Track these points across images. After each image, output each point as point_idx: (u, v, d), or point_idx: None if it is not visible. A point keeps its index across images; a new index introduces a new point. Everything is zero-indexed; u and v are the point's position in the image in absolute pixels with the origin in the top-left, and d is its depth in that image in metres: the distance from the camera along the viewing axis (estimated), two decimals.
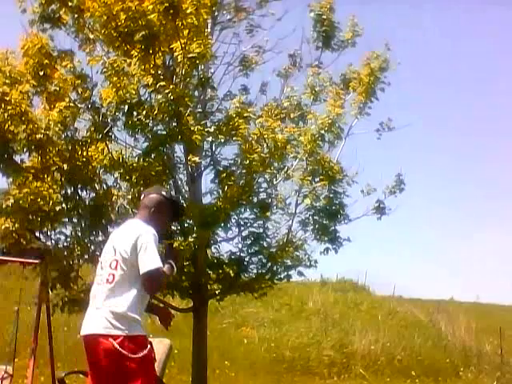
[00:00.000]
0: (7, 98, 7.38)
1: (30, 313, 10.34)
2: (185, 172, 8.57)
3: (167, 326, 3.86)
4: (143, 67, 7.58)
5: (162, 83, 7.43)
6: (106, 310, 3.55)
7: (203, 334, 8.67)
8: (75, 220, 8.08)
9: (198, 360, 8.64)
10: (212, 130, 7.99)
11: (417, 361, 16.08)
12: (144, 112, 7.56)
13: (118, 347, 3.45)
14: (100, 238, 8.10)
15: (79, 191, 8.01)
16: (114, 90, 7.49)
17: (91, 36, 8.26)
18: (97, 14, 7.39)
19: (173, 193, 8.33)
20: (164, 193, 4.01)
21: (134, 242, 3.60)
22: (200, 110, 8.57)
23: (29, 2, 8.50)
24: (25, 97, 7.61)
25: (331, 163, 8.40)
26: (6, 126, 7.40)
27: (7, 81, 7.63)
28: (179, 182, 8.54)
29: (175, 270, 3.78)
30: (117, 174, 8.03)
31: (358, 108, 8.84)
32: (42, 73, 7.59)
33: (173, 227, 8.59)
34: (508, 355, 16.39)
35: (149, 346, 3.62)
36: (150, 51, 7.41)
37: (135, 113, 7.62)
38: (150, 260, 3.54)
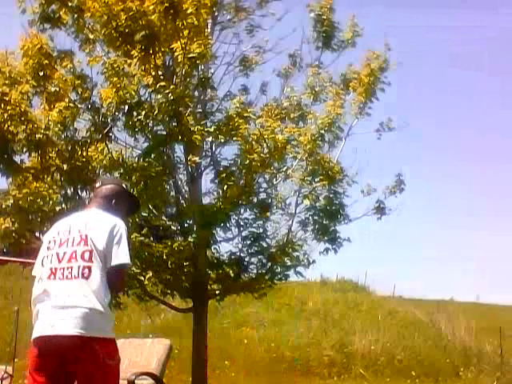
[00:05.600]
0: (7, 98, 7.38)
1: (30, 313, 10.35)
2: (185, 172, 8.58)
3: None
4: (143, 67, 7.57)
5: (162, 83, 7.42)
6: (81, 308, 3.11)
7: (203, 334, 8.66)
8: None
9: (198, 360, 8.63)
10: (212, 129, 7.98)
11: (417, 361, 16.07)
12: (144, 112, 7.55)
13: (98, 350, 3.09)
14: None
15: (79, 191, 8.01)
16: (114, 90, 7.47)
17: (91, 36, 8.25)
18: (97, 14, 7.38)
19: (173, 193, 8.38)
20: (124, 185, 3.79)
21: (109, 232, 3.25)
22: (200, 110, 8.57)
23: (29, 2, 8.49)
24: (24, 97, 7.61)
25: (331, 163, 8.39)
26: (6, 126, 7.39)
27: (7, 81, 7.64)
28: (179, 182, 8.54)
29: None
30: (117, 174, 8.02)
31: (358, 108, 8.84)
32: (41, 73, 7.59)
33: (173, 227, 8.62)
34: (508, 355, 16.37)
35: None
36: (150, 51, 7.40)
37: (135, 113, 7.60)
38: (125, 253, 3.24)
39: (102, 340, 3.13)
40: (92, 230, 3.30)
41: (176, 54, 7.56)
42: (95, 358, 3.09)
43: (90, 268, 3.20)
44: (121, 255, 3.24)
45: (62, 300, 3.16)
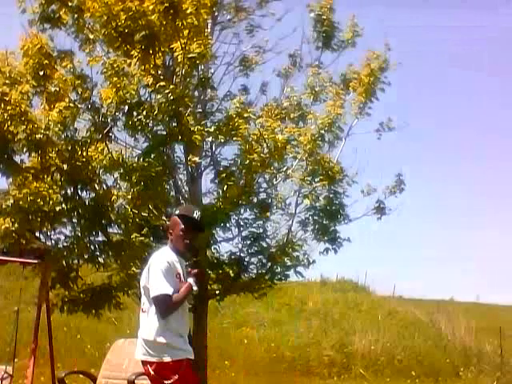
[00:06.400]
0: (7, 98, 7.37)
1: (30, 313, 10.34)
2: (185, 172, 8.58)
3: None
4: (143, 67, 7.58)
5: (162, 83, 7.42)
6: (141, 338, 3.86)
7: (203, 334, 8.66)
8: (75, 220, 8.06)
9: (198, 360, 8.61)
10: (212, 129, 7.98)
11: (417, 361, 16.10)
12: (144, 112, 7.56)
13: (153, 373, 3.78)
14: (100, 238, 8.10)
15: (79, 191, 8.00)
16: (114, 90, 7.48)
17: (91, 36, 8.25)
18: (97, 14, 7.38)
19: (173, 193, 8.37)
20: (178, 211, 4.07)
21: (147, 269, 3.87)
22: (200, 110, 8.58)
23: (29, 2, 8.50)
24: (24, 97, 7.61)
25: (331, 163, 8.40)
26: (6, 126, 7.39)
27: (7, 81, 7.63)
28: (179, 182, 8.54)
29: (194, 288, 3.90)
30: (117, 174, 8.02)
31: (358, 108, 8.84)
32: (41, 73, 7.59)
33: None
34: (508, 355, 16.40)
35: (182, 369, 3.95)
36: (150, 51, 7.40)
37: (135, 113, 7.61)
38: (156, 287, 3.76)
39: (155, 363, 3.79)
40: (145, 270, 3.94)
41: (176, 54, 7.56)
42: (153, 378, 3.83)
43: (145, 302, 3.91)
44: (152, 289, 3.79)
45: (139, 330, 3.93)
